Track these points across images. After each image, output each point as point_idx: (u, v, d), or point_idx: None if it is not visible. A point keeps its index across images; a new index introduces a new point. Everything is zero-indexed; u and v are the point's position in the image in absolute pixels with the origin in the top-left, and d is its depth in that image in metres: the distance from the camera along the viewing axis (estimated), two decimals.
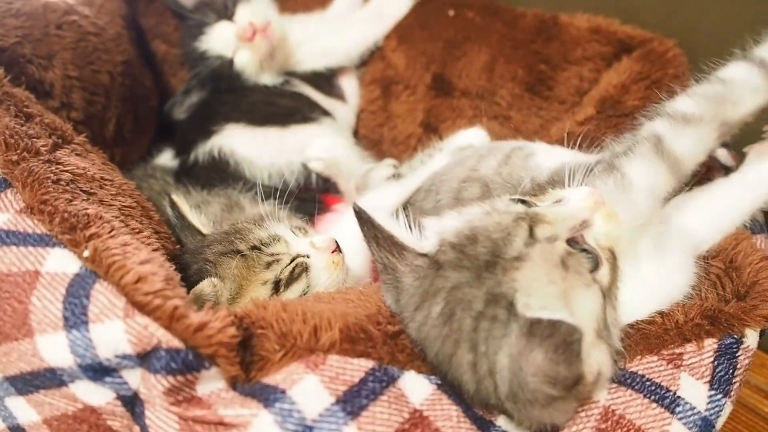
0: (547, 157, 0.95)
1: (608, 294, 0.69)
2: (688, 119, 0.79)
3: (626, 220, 0.76)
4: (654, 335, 0.77)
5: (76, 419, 0.66)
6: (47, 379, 0.65)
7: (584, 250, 0.69)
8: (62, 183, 0.78)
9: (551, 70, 1.34)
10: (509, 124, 1.39)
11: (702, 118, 0.78)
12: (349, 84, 1.56)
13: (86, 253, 0.66)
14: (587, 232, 0.70)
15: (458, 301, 0.65)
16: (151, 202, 1.13)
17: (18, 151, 0.79)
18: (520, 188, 0.87)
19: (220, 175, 1.25)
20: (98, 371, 0.63)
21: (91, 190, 0.81)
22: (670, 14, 1.32)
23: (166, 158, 1.40)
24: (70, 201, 0.74)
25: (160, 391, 0.61)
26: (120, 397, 0.65)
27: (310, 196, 1.29)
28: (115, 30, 1.31)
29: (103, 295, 0.63)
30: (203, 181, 1.24)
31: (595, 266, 0.68)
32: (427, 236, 0.72)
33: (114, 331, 0.61)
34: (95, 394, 0.65)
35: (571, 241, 0.69)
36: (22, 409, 0.67)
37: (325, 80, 1.51)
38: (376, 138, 1.57)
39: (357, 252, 1.05)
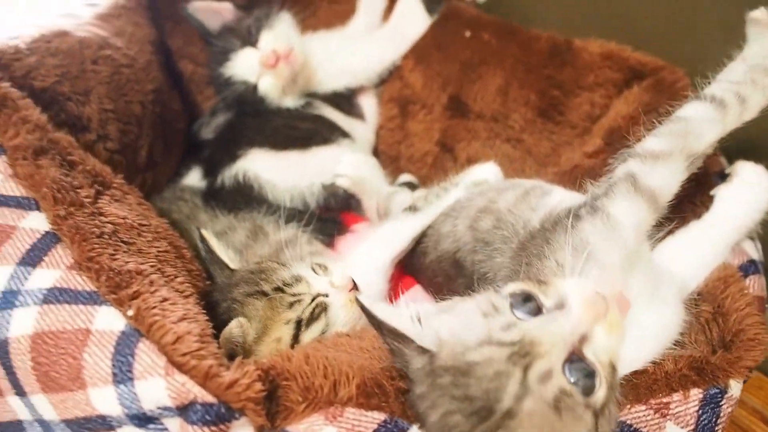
0: (558, 198, 1.00)
1: (602, 411, 0.67)
2: (657, 156, 0.86)
3: (619, 260, 0.81)
4: (643, 385, 0.82)
5: None
6: (98, 423, 0.73)
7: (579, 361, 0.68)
8: (105, 236, 0.85)
9: (563, 95, 1.39)
10: (521, 147, 1.45)
11: (671, 152, 0.86)
12: (368, 102, 1.63)
13: (130, 313, 0.74)
14: (586, 345, 0.68)
15: (450, 427, 0.67)
16: (181, 226, 1.23)
17: (65, 206, 0.86)
18: (525, 230, 0.94)
19: (245, 198, 1.33)
20: (142, 419, 0.72)
21: (131, 240, 0.89)
22: (682, 41, 1.36)
23: (195, 178, 1.48)
24: (113, 256, 0.82)
25: None
26: None
27: (331, 217, 1.37)
28: (145, 58, 1.38)
29: (146, 354, 0.71)
30: (230, 204, 1.32)
31: (591, 389, 0.66)
32: (429, 327, 0.74)
33: (156, 388, 0.69)
34: None
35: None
36: None
37: (345, 100, 1.58)
38: (394, 154, 1.64)
39: (375, 279, 1.13)
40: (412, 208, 1.21)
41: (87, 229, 0.84)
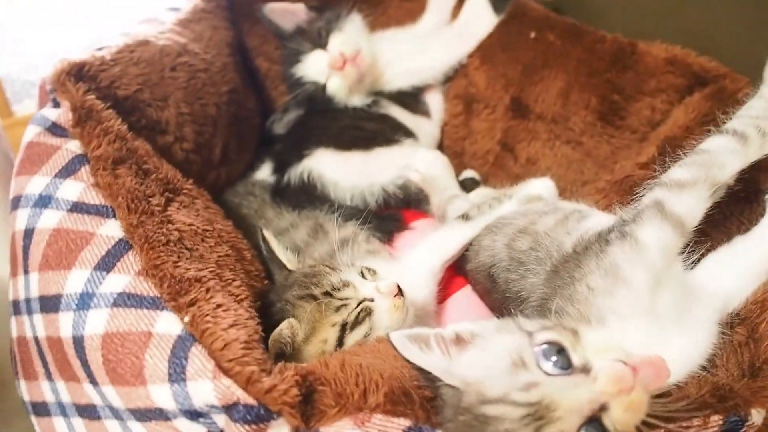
0: (593, 222, 1.03)
1: None
2: (683, 185, 0.90)
3: (646, 283, 0.85)
4: (666, 409, 0.86)
5: None
6: (156, 413, 0.83)
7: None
8: (171, 244, 0.95)
9: (624, 100, 1.40)
10: (581, 149, 1.47)
11: (695, 182, 0.90)
12: (434, 100, 1.68)
13: (186, 319, 0.83)
14: (604, 414, 0.68)
15: None
16: (248, 222, 1.33)
17: (137, 215, 0.97)
18: (558, 253, 0.98)
19: (309, 197, 1.41)
20: (193, 414, 0.81)
21: (194, 246, 0.99)
22: (747, 48, 1.34)
23: (266, 172, 1.57)
24: (176, 263, 0.92)
25: None
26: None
27: (390, 215, 1.43)
28: (222, 61, 1.48)
29: (198, 357, 0.80)
30: (294, 202, 1.41)
31: None
32: (458, 363, 0.79)
33: (205, 388, 0.79)
34: (192, 428, 0.83)
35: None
36: (139, 430, 0.87)
37: (411, 98, 1.64)
38: (458, 150, 1.68)
39: (424, 283, 1.19)
40: (465, 217, 1.26)
41: (155, 237, 0.94)
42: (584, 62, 1.46)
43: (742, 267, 0.99)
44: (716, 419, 0.84)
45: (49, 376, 0.96)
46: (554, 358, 0.72)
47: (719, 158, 0.92)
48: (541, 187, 1.31)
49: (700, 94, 1.29)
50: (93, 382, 0.88)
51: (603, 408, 0.68)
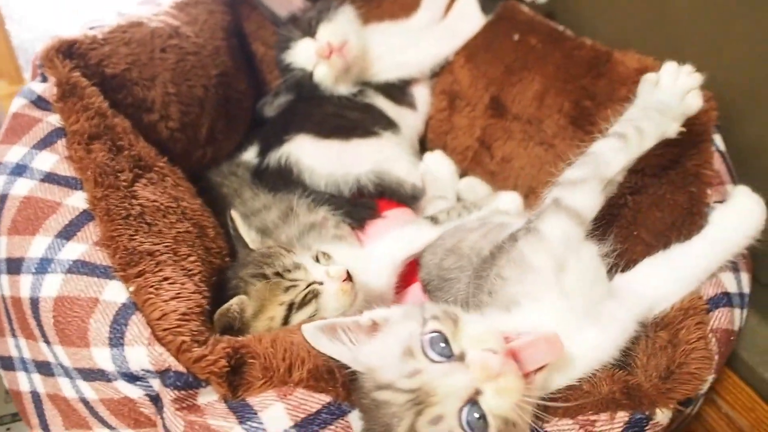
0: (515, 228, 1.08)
1: None
2: (575, 182, 0.99)
3: (552, 267, 0.93)
4: (575, 401, 0.90)
5: (120, 403, 0.92)
6: (100, 375, 0.90)
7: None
8: (131, 218, 1.02)
9: (595, 107, 1.43)
10: (552, 152, 1.50)
11: (585, 178, 0.99)
12: (420, 92, 1.73)
13: (131, 289, 0.90)
14: (480, 397, 0.74)
15: None
16: (227, 201, 1.39)
17: (103, 189, 1.03)
18: (478, 258, 1.04)
19: (285, 181, 1.46)
20: (131, 377, 0.88)
21: (154, 222, 1.05)
22: (714, 64, 1.36)
23: (252, 154, 1.63)
24: (132, 236, 0.98)
25: (170, 399, 0.85)
26: (147, 395, 0.90)
27: (363, 203, 1.48)
28: (214, 45, 1.53)
29: (136, 325, 0.87)
30: (271, 185, 1.46)
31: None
32: (363, 350, 0.87)
33: (140, 354, 0.85)
34: (131, 390, 0.90)
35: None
36: (86, 389, 0.94)
37: (398, 90, 1.68)
38: (440, 144, 1.73)
39: (383, 271, 1.25)
40: (434, 219, 1.33)
41: (116, 210, 1.01)
42: (562, 67, 1.50)
43: (675, 274, 1.05)
44: (622, 415, 0.89)
45: (13, 333, 1.04)
46: (440, 346, 0.78)
47: (605, 157, 1.01)
48: (508, 201, 1.37)
49: None
50: (46, 341, 0.95)
51: (478, 392, 0.74)
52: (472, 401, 0.74)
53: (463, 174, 1.69)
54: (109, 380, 0.90)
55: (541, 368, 0.80)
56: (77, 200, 1.02)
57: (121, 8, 1.42)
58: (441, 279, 1.16)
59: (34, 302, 0.94)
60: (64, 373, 0.96)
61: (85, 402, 0.96)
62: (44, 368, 1.00)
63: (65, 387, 0.98)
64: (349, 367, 0.90)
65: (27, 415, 1.07)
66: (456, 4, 1.70)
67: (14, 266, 0.98)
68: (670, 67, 1.09)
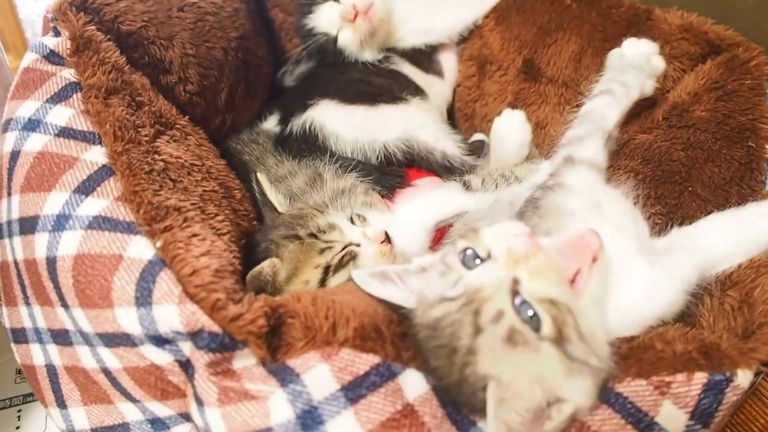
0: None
1: (561, 339, 0.74)
2: (581, 138, 1.07)
3: (588, 206, 0.94)
4: (648, 361, 0.83)
5: (146, 371, 0.84)
6: (124, 339, 0.82)
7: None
8: (154, 173, 0.94)
9: None
10: None
11: (587, 133, 1.07)
12: (447, 60, 1.65)
13: (158, 244, 0.82)
14: (520, 287, 0.76)
15: (434, 368, 0.79)
16: (249, 168, 1.31)
17: (123, 143, 0.95)
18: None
19: (310, 147, 1.38)
20: (160, 340, 0.80)
21: (179, 178, 0.97)
22: (764, 18, 1.29)
23: (273, 122, 1.55)
24: (157, 191, 0.91)
25: (203, 363, 0.78)
26: (177, 361, 0.82)
27: (393, 171, 1.41)
28: (233, 7, 1.45)
29: (165, 282, 0.79)
30: (295, 151, 1.39)
31: (538, 325, 0.74)
32: (412, 289, 0.87)
33: (170, 313, 0.77)
34: (159, 356, 0.82)
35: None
36: (108, 357, 0.86)
37: (425, 56, 1.60)
38: (469, 112, 1.65)
39: (416, 236, 1.17)
40: (466, 184, 1.25)
41: (138, 165, 0.93)
42: (599, 27, 1.42)
43: (740, 234, 0.97)
44: (701, 376, 0.81)
45: (26, 301, 0.96)
46: (470, 256, 0.81)
47: (600, 111, 1.10)
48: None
49: (713, 62, 1.25)
50: (64, 305, 0.87)
51: (517, 282, 0.76)
52: (516, 293, 0.75)
53: None
54: (134, 345, 0.83)
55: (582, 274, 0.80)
56: (96, 155, 0.95)
57: None
58: None
59: (51, 262, 0.86)
60: (84, 340, 0.88)
61: (107, 372, 0.88)
62: (61, 337, 0.92)
63: (84, 356, 0.90)
64: (397, 323, 0.84)
65: (41, 391, 0.99)
66: None
67: (28, 225, 0.90)
68: (630, 41, 1.20)
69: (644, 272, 0.89)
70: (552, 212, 0.94)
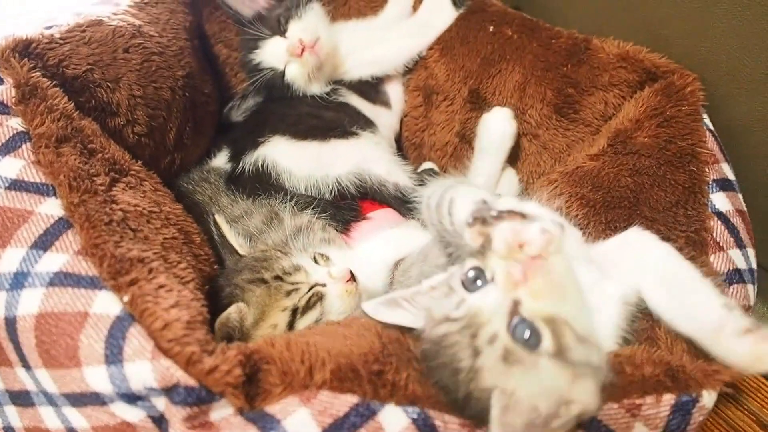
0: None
1: (561, 349, 0.76)
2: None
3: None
4: (620, 385, 0.85)
5: (116, 430, 0.81)
6: (92, 398, 0.80)
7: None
8: (113, 224, 0.92)
9: (578, 94, 1.40)
10: (537, 142, 1.46)
11: None
12: (394, 90, 1.67)
13: (126, 299, 0.80)
14: (522, 308, 0.77)
15: (441, 380, 0.82)
16: (203, 208, 1.29)
17: (79, 194, 0.93)
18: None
19: (263, 185, 1.38)
20: (131, 397, 0.78)
21: (138, 227, 0.95)
22: (697, 45, 1.35)
23: (223, 159, 1.53)
24: (118, 243, 0.88)
25: (179, 418, 0.76)
26: (150, 416, 0.79)
27: (347, 205, 1.41)
28: (178, 45, 1.44)
29: (136, 338, 0.77)
30: (249, 190, 1.38)
31: (537, 342, 0.76)
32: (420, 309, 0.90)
33: (143, 370, 0.75)
34: (130, 413, 0.80)
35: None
36: (75, 417, 0.83)
37: (371, 87, 1.62)
38: (417, 142, 1.67)
39: (378, 273, 1.18)
40: (423, 222, 1.26)
41: (97, 216, 0.91)
42: (540, 57, 1.46)
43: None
44: (669, 398, 0.85)
45: None
46: (475, 277, 0.82)
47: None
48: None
49: (650, 89, 1.30)
50: (26, 366, 0.84)
51: (518, 303, 0.77)
52: (516, 313, 0.77)
53: (443, 170, 1.62)
54: (103, 403, 0.80)
55: None
56: (51, 207, 0.92)
57: (76, 8, 1.32)
58: None
59: (10, 322, 0.83)
60: (48, 401, 0.85)
61: None
62: (21, 398, 0.88)
63: (48, 417, 0.86)
64: (373, 362, 0.84)
65: None
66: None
67: None
68: None
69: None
70: None
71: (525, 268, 0.79)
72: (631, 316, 0.95)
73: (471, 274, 0.82)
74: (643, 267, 0.96)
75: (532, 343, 0.76)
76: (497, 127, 1.46)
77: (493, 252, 0.81)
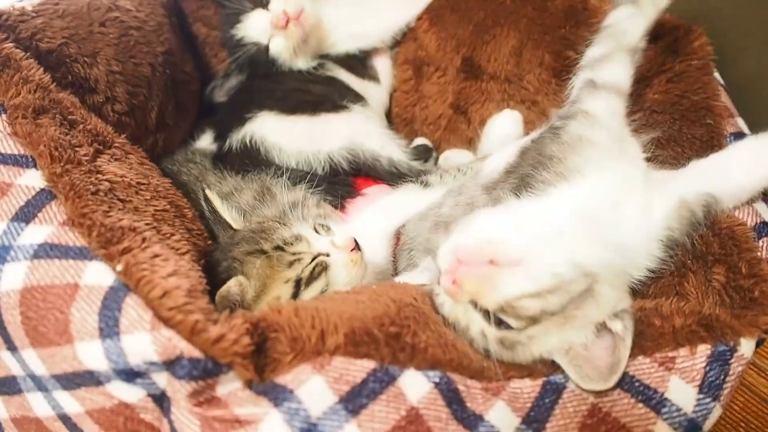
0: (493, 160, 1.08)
1: (534, 319, 0.79)
2: (600, 59, 1.01)
3: (608, 140, 0.93)
4: (649, 337, 0.81)
5: (113, 412, 0.75)
6: (86, 378, 0.73)
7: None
8: (101, 194, 0.85)
9: (578, 56, 1.34)
10: (536, 109, 1.41)
11: (610, 52, 1.01)
12: (382, 64, 1.61)
13: (119, 268, 0.73)
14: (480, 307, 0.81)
15: None
16: (189, 188, 1.23)
17: (62, 164, 0.86)
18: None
19: (253, 161, 1.32)
20: (130, 374, 0.71)
21: (127, 198, 0.89)
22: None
23: (207, 141, 1.47)
24: (107, 213, 0.82)
25: (183, 394, 0.69)
26: (150, 395, 0.73)
27: (341, 180, 1.35)
28: (156, 21, 1.37)
29: (132, 308, 0.70)
30: (237, 167, 1.31)
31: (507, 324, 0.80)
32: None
33: (142, 342, 0.69)
34: (128, 392, 0.73)
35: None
36: (67, 401, 0.76)
37: (359, 62, 1.56)
38: (408, 117, 1.62)
39: (379, 244, 1.12)
40: (424, 183, 1.21)
41: (82, 186, 0.84)
42: (536, 20, 1.41)
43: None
44: (704, 349, 0.80)
45: None
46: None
47: (621, 25, 1.03)
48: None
49: (656, 47, 1.25)
50: (11, 347, 0.77)
51: (475, 305, 0.81)
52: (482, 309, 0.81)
53: (436, 145, 1.57)
54: (99, 383, 0.73)
55: None
56: (31, 179, 0.85)
57: None
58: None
59: None
60: (36, 385, 0.78)
61: (65, 419, 0.78)
62: (7, 386, 0.81)
63: (37, 404, 0.80)
64: (390, 323, 0.78)
65: None
66: None
67: None
68: None
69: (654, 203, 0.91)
70: (575, 143, 0.92)
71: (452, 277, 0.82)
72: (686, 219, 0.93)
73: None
74: None
75: (507, 326, 0.80)
76: (504, 130, 1.43)
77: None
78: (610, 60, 0.99)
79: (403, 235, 1.19)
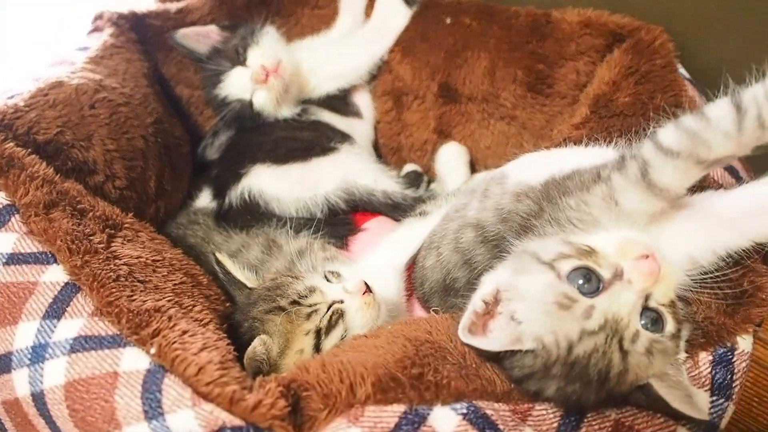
0: (523, 170, 1.06)
1: (679, 331, 0.82)
2: (668, 152, 0.83)
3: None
4: None
5: None
6: None
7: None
8: (121, 279, 0.90)
9: (548, 68, 1.41)
10: (516, 123, 1.47)
11: (679, 153, 0.82)
12: (363, 99, 1.67)
13: (153, 351, 0.78)
14: (649, 300, 0.81)
15: (570, 393, 0.82)
16: (198, 250, 1.27)
17: (80, 255, 0.91)
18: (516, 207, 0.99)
19: (254, 215, 1.36)
20: None
21: (146, 278, 0.93)
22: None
23: (206, 199, 1.51)
24: (131, 297, 0.87)
25: None
26: None
27: (341, 220, 1.40)
28: (141, 93, 1.42)
29: (172, 388, 0.75)
30: (240, 223, 1.36)
31: (663, 326, 0.81)
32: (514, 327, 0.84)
33: (186, 419, 0.74)
34: None
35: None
36: None
37: (340, 101, 1.61)
38: (394, 146, 1.67)
39: (391, 280, 1.16)
40: (422, 213, 1.26)
41: (103, 274, 0.89)
42: (503, 39, 1.47)
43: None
44: (705, 356, 0.85)
45: None
46: (580, 281, 0.81)
47: (709, 136, 0.81)
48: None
49: (620, 50, 1.31)
50: None
51: (649, 297, 0.81)
52: (644, 307, 0.80)
53: (426, 169, 1.62)
54: None
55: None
56: (54, 274, 0.90)
57: (33, 72, 1.29)
58: (466, 253, 1.07)
59: (38, 397, 0.81)
60: None
61: None
62: None
63: None
64: (411, 365, 0.82)
65: None
66: (378, 3, 1.64)
67: (1, 365, 0.84)
68: None
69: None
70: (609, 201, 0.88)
71: (658, 263, 0.80)
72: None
73: (577, 277, 0.81)
74: None
75: (660, 329, 0.81)
76: (448, 157, 1.54)
77: (603, 253, 0.83)
78: (674, 161, 0.82)
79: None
